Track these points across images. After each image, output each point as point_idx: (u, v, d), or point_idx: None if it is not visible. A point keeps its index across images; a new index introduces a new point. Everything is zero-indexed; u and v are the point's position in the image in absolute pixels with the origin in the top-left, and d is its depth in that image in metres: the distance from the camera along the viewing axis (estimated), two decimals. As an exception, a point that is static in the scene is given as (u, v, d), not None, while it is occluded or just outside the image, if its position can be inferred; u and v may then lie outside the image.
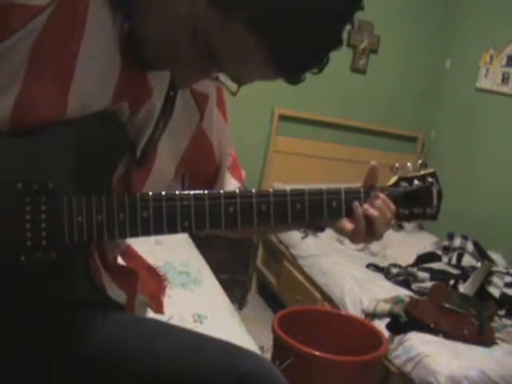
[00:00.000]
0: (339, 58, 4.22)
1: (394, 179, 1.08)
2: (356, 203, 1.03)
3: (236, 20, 0.81)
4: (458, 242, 3.27)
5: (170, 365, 0.97)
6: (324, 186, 1.02)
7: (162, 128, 1.02)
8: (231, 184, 1.22)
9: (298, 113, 3.89)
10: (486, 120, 3.70)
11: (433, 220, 1.13)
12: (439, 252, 3.23)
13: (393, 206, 1.04)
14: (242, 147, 3.80)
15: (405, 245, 3.52)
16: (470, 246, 3.24)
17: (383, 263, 3.19)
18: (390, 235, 3.65)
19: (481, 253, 3.21)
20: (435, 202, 1.10)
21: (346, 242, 3.44)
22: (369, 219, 1.02)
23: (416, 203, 1.09)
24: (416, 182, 1.09)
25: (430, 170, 1.11)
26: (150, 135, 0.99)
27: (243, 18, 0.81)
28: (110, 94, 0.93)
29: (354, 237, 1.05)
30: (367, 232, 1.03)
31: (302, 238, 3.54)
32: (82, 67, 0.89)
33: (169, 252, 2.48)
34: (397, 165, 1.10)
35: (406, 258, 3.22)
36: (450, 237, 3.33)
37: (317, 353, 2.16)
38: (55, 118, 0.88)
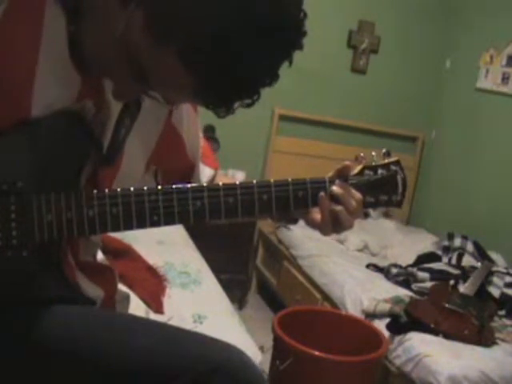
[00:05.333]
0: (339, 59, 4.24)
1: (358, 168, 1.09)
2: (322, 194, 1.03)
3: (166, 48, 0.82)
4: (458, 241, 3.27)
5: (143, 357, 0.97)
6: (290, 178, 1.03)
7: (129, 125, 1.02)
8: (205, 172, 1.23)
9: (297, 113, 3.89)
10: (486, 120, 3.70)
11: (398, 207, 1.13)
12: (439, 252, 3.24)
13: (359, 195, 1.05)
14: (242, 147, 3.82)
15: (405, 245, 3.53)
16: (470, 246, 3.24)
17: (383, 263, 3.18)
18: (390, 235, 3.68)
19: (481, 253, 3.21)
20: (400, 189, 1.11)
21: (347, 242, 3.44)
22: (333, 210, 1.03)
23: (381, 191, 1.10)
24: (380, 170, 1.10)
25: (394, 159, 1.13)
26: (113, 131, 1.00)
27: (173, 47, 0.81)
28: (75, 94, 0.93)
29: (322, 228, 1.05)
30: (334, 223, 1.04)
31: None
32: (44, 70, 0.89)
33: (169, 252, 2.48)
34: (362, 154, 1.11)
35: (406, 258, 3.22)
36: (450, 237, 3.33)
37: (317, 353, 2.16)
38: (18, 119, 0.88)
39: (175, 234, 2.70)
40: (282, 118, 3.88)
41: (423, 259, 3.14)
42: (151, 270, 2.15)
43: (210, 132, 3.44)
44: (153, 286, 2.04)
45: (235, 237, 3.38)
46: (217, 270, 2.54)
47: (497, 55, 3.60)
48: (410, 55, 4.07)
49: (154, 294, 1.98)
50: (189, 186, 0.96)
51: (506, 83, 3.51)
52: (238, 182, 0.99)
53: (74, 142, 0.93)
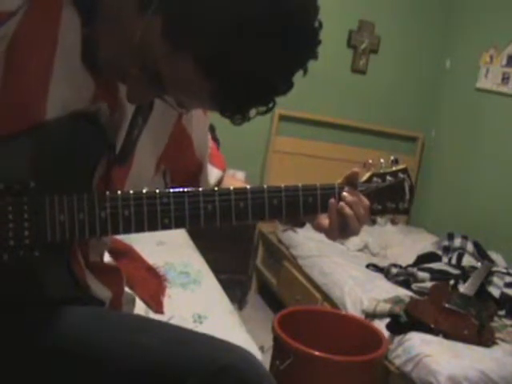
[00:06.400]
0: (339, 59, 4.24)
1: (367, 175, 1.11)
2: (331, 200, 1.05)
3: (184, 54, 0.82)
4: (458, 241, 3.27)
5: (150, 358, 0.98)
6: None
7: (142, 125, 1.02)
8: (213, 173, 1.24)
9: (298, 113, 3.89)
10: (486, 120, 3.70)
11: (405, 214, 1.16)
12: (439, 252, 3.23)
13: (367, 202, 1.07)
14: (242, 147, 3.82)
15: (405, 245, 3.53)
16: (470, 246, 3.24)
17: (383, 263, 3.19)
18: (390, 235, 3.68)
19: (481, 253, 3.21)
20: (407, 196, 1.13)
21: (347, 242, 3.44)
22: (342, 216, 1.05)
23: (389, 198, 1.11)
24: (388, 177, 1.12)
25: (402, 166, 1.14)
26: (127, 131, 1.00)
27: (191, 52, 0.81)
28: (90, 96, 0.94)
29: (329, 233, 1.07)
30: (342, 228, 1.06)
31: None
32: (59, 73, 0.90)
33: (169, 252, 2.48)
34: (370, 161, 1.13)
35: (406, 258, 3.22)
36: (450, 237, 3.32)
37: (317, 353, 2.16)
38: (34, 121, 0.89)
39: (175, 235, 2.70)
40: (282, 117, 3.88)
41: (423, 259, 3.14)
42: (151, 270, 2.16)
43: (210, 131, 3.43)
44: (153, 285, 2.04)
45: (235, 237, 3.38)
46: (217, 270, 2.54)
47: (497, 55, 3.60)
48: (410, 55, 4.07)
49: (154, 294, 1.98)
50: (200, 189, 0.97)
51: (506, 83, 3.51)
52: (248, 187, 1.01)
53: (87, 143, 0.93)
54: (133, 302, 1.26)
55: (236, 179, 1.40)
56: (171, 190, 0.96)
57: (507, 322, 2.60)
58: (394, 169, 1.13)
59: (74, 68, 0.92)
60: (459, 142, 3.91)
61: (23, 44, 0.87)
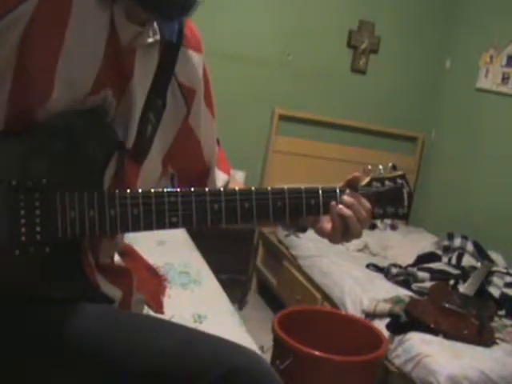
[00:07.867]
0: (339, 58, 4.23)
1: (367, 180, 1.13)
2: (333, 203, 1.07)
3: None
4: (458, 241, 3.27)
5: (158, 358, 0.98)
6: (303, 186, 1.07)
7: (155, 122, 1.03)
8: (219, 178, 1.26)
9: (297, 113, 3.89)
10: (486, 120, 3.70)
11: (404, 219, 1.18)
12: (439, 252, 3.23)
13: (368, 205, 1.09)
14: (242, 147, 3.82)
15: (405, 245, 3.53)
16: (469, 246, 3.24)
17: (383, 263, 3.19)
18: (390, 236, 3.68)
19: (481, 253, 3.21)
20: (406, 202, 1.15)
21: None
22: (344, 218, 1.06)
23: (389, 202, 1.14)
24: (387, 182, 1.14)
25: (400, 172, 1.17)
26: (139, 128, 1.01)
27: None
28: (93, 76, 0.95)
29: (332, 236, 1.09)
30: (344, 231, 1.07)
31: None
32: (68, 51, 0.92)
33: (169, 252, 2.48)
34: (369, 166, 1.15)
35: (406, 258, 3.22)
36: (450, 237, 3.32)
37: (317, 353, 2.16)
38: (43, 101, 0.91)
39: (175, 235, 2.70)
40: (282, 118, 3.87)
41: (423, 259, 3.14)
42: (151, 270, 2.15)
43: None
44: (153, 286, 2.03)
45: (235, 237, 3.38)
46: (217, 270, 2.54)
47: (497, 55, 3.60)
48: (410, 55, 4.07)
49: (154, 294, 1.98)
50: (207, 189, 0.99)
51: (505, 83, 3.51)
52: (253, 188, 1.02)
53: (98, 142, 0.95)
54: (142, 303, 1.27)
55: (238, 183, 1.41)
56: (178, 190, 0.98)
57: (507, 321, 2.60)
58: (392, 174, 1.15)
59: (85, 46, 0.93)
60: (459, 142, 3.91)
61: (39, 25, 0.88)
